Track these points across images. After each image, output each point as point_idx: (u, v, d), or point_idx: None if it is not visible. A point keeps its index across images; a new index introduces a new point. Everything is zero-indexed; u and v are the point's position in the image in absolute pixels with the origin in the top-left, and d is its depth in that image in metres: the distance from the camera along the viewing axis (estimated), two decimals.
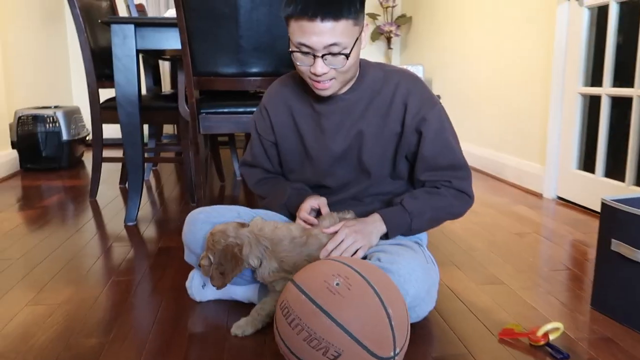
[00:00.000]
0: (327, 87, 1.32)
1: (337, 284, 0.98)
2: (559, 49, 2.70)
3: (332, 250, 1.29)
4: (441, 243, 2.05)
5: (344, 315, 0.95)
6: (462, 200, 1.40)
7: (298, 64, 1.30)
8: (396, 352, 0.98)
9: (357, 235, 1.31)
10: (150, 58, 3.41)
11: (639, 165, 2.32)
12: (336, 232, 1.32)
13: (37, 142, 3.67)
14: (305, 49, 1.26)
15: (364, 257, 1.32)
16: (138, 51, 2.29)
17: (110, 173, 3.60)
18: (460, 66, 3.90)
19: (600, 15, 2.56)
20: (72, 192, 3.06)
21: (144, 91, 3.60)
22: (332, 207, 1.45)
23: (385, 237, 1.37)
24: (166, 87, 4.57)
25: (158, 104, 2.82)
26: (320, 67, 1.26)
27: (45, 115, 3.71)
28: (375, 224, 1.35)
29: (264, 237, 1.33)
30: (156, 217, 2.51)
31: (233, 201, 2.85)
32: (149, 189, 3.19)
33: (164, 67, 4.53)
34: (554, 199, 2.79)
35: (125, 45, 2.26)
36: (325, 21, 1.21)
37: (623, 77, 2.42)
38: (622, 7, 2.41)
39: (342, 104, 1.40)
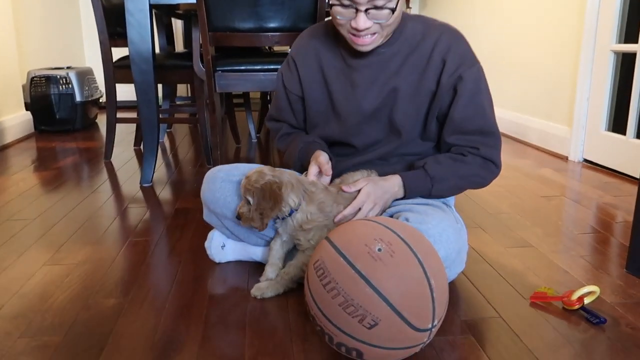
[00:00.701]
0: (367, 43, 1.23)
1: (379, 250, 0.92)
2: (592, 3, 2.56)
3: (349, 216, 1.24)
4: (466, 205, 1.99)
5: (385, 285, 0.89)
6: (488, 169, 1.32)
7: (338, 17, 1.21)
8: (434, 324, 0.93)
9: (376, 202, 1.26)
10: (163, 16, 3.31)
11: None
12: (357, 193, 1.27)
13: (51, 103, 3.62)
14: (346, 2, 1.17)
15: (389, 216, 1.26)
16: (151, 6, 2.21)
17: (124, 135, 3.55)
18: (483, 25, 3.75)
19: None
20: (87, 153, 3.03)
21: (157, 50, 3.51)
22: (356, 167, 1.38)
23: (401, 199, 1.32)
24: (179, 47, 4.48)
25: (172, 63, 2.74)
26: (362, 21, 1.18)
27: (58, 76, 3.65)
28: (395, 190, 1.29)
29: (303, 179, 1.27)
30: (172, 179, 2.47)
31: (249, 162, 2.79)
32: (164, 151, 3.15)
33: (177, 26, 4.43)
34: (581, 162, 2.70)
35: None
36: None
37: None
38: None
39: (377, 58, 1.32)
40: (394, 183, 1.29)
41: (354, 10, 1.18)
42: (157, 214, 1.97)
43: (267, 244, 1.42)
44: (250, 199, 1.22)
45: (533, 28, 3.12)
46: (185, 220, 1.88)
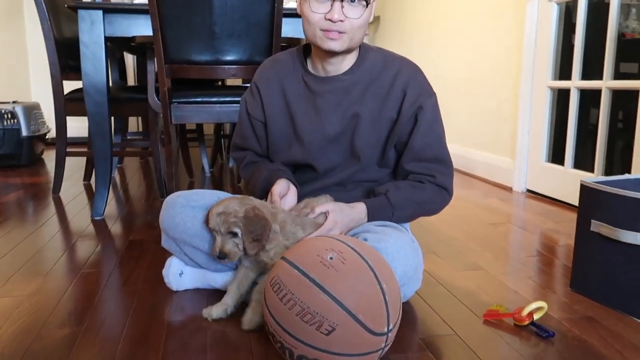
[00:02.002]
0: (337, 38, 1.28)
1: (331, 258, 0.95)
2: (529, 44, 2.75)
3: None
4: (421, 233, 2.05)
5: (338, 289, 0.92)
6: (441, 196, 1.40)
7: (312, 10, 1.27)
8: (389, 329, 0.96)
9: (342, 230, 1.31)
10: (116, 50, 3.31)
11: (607, 156, 2.38)
12: (325, 217, 1.30)
13: None
14: None
15: None
16: (106, 38, 2.21)
17: (73, 170, 3.47)
18: (429, 64, 3.93)
19: (567, 11, 2.62)
20: (33, 189, 2.93)
21: (110, 84, 3.48)
22: (317, 193, 1.42)
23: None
24: (131, 81, 4.45)
25: (125, 95, 2.73)
26: (337, 12, 1.25)
27: (4, 111, 3.55)
28: (360, 217, 1.35)
29: (264, 202, 1.29)
30: (123, 214, 2.42)
31: None
32: (114, 186, 3.09)
33: (129, 61, 4.41)
34: (524, 192, 2.84)
35: (93, 31, 2.18)
36: None
37: (591, 71, 2.48)
38: (590, 2, 2.47)
39: (340, 85, 1.38)
40: (360, 210, 1.34)
41: (330, 4, 1.25)
42: (109, 246, 1.93)
43: (229, 269, 1.42)
44: (237, 231, 1.21)
45: (476, 65, 3.30)
46: (141, 251, 1.85)
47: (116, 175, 3.41)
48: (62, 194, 2.78)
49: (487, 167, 3.17)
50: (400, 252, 1.21)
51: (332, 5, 1.25)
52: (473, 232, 2.07)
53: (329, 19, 1.26)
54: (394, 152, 1.43)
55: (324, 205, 1.31)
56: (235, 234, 1.21)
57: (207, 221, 1.27)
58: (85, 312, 1.34)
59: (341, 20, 1.26)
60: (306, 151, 1.42)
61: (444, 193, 1.41)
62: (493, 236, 2.03)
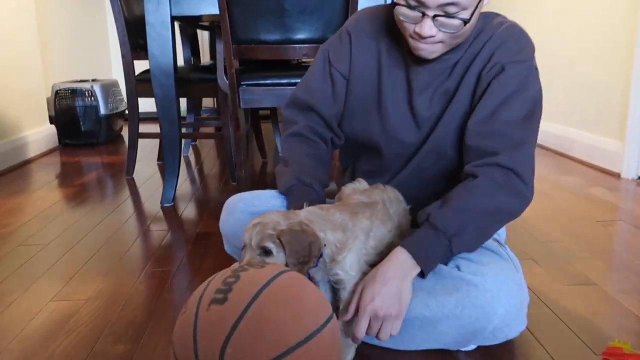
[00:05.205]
0: (429, 51, 1.07)
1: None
2: None
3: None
4: (513, 231, 1.80)
5: None
6: (511, 185, 1.03)
7: (401, 18, 1.05)
8: None
9: (383, 311, 0.98)
10: (188, 27, 3.21)
11: None
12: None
13: (76, 116, 3.56)
14: (413, 3, 1.01)
15: None
16: (173, 18, 2.09)
17: (150, 148, 3.46)
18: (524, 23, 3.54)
19: None
20: (110, 168, 2.93)
21: (180, 62, 3.42)
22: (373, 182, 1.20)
23: (420, 275, 1.03)
24: (205, 58, 4.38)
25: (196, 76, 2.63)
26: (427, 28, 1.01)
27: (83, 89, 3.59)
28: (403, 273, 0.99)
29: (311, 207, 1.06)
30: (195, 196, 2.36)
31: (275, 179, 2.64)
32: (188, 165, 3.04)
33: (203, 37, 4.34)
34: (634, 180, 2.48)
35: (159, 11, 2.06)
36: None
37: None
38: None
39: (440, 64, 1.14)
40: (398, 262, 1.00)
41: (421, 15, 1.01)
42: (177, 237, 1.85)
43: None
44: (271, 247, 0.98)
45: (582, 32, 2.91)
46: (206, 247, 1.74)
47: (190, 153, 3.37)
48: (136, 174, 2.76)
49: (588, 148, 2.81)
50: (503, 289, 1.00)
51: (422, 18, 1.02)
52: (577, 232, 1.80)
53: (418, 33, 1.03)
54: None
55: (349, 301, 1.03)
56: (268, 251, 0.97)
57: None
58: (144, 324, 1.24)
59: (432, 36, 1.03)
60: (386, 126, 1.19)
61: (514, 180, 1.03)
62: (602, 238, 1.74)
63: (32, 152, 3.19)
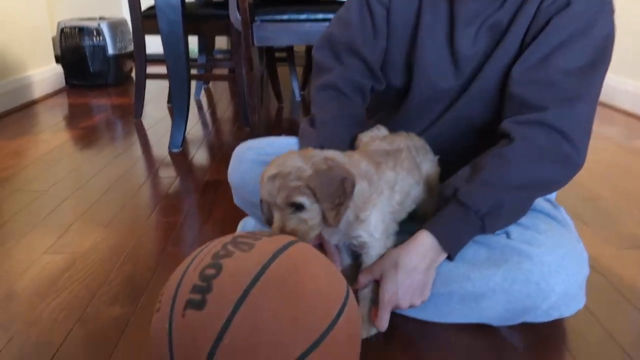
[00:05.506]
0: None
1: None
2: None
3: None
4: None
5: None
6: (558, 156, 0.87)
7: None
8: None
9: (406, 303, 0.88)
10: None
11: None
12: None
13: (84, 56, 3.38)
14: None
15: None
16: None
17: (160, 90, 3.29)
18: None
19: None
20: (118, 111, 2.78)
21: None
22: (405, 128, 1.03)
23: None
24: None
25: (207, 12, 2.42)
26: None
27: (90, 27, 3.39)
28: (429, 262, 0.87)
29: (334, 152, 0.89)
30: (206, 141, 2.22)
31: (292, 126, 2.48)
32: (200, 108, 2.88)
33: None
34: None
35: None
36: None
37: None
38: None
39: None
40: (423, 248, 0.87)
41: None
42: (186, 184, 1.71)
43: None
44: (303, 201, 0.80)
45: None
46: (215, 196, 1.60)
47: (203, 96, 3.19)
48: (145, 117, 2.60)
49: (633, 97, 2.58)
50: (563, 263, 0.84)
51: None
52: (627, 189, 1.62)
53: None
54: None
55: (365, 273, 0.90)
56: (300, 206, 0.81)
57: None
58: (143, 284, 1.11)
59: None
60: (420, 66, 1.01)
61: (562, 144, 0.86)
62: None
63: (38, 92, 3.04)
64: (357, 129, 1.04)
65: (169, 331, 0.62)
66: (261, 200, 0.84)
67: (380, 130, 1.03)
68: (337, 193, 0.81)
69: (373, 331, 0.91)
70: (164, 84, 3.36)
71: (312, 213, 0.81)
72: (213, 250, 0.68)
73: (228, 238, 0.70)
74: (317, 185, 0.80)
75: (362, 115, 1.09)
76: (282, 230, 0.80)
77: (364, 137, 1.02)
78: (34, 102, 2.94)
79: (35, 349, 0.90)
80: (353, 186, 0.83)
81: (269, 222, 0.84)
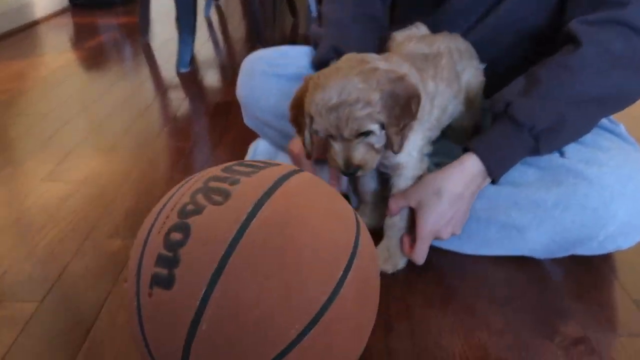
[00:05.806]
0: None
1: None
2: None
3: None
4: None
5: None
6: (636, 61, 0.73)
7: None
8: None
9: (447, 235, 0.78)
10: None
11: None
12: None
13: None
14: None
15: None
16: None
17: (170, 9, 3.10)
18: None
19: None
20: (125, 29, 2.63)
21: None
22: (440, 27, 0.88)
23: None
24: None
25: None
26: None
27: None
28: (473, 190, 0.76)
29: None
30: (218, 60, 2.09)
31: (307, 43, 2.31)
32: (210, 26, 2.70)
33: None
34: None
35: None
36: None
37: None
38: None
39: None
40: (468, 172, 0.75)
41: None
42: (195, 106, 1.60)
43: None
44: (375, 128, 0.70)
45: None
46: (227, 118, 1.49)
47: (213, 13, 3.00)
48: (154, 38, 2.45)
49: None
50: (628, 186, 0.71)
51: None
52: None
53: None
54: None
55: (397, 198, 0.78)
56: (369, 133, 0.70)
57: (294, 119, 0.75)
58: (145, 211, 1.03)
59: None
60: None
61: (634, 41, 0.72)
62: None
63: (40, 12, 2.88)
64: (376, 35, 0.90)
65: (139, 313, 0.50)
66: (316, 132, 0.72)
67: (420, 29, 0.88)
68: (405, 114, 0.70)
69: (401, 264, 0.82)
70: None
71: (379, 138, 0.72)
72: (180, 203, 0.52)
73: (202, 180, 0.54)
74: (387, 108, 0.69)
75: (382, 20, 0.94)
76: (349, 164, 0.71)
77: (399, 36, 0.87)
78: (36, 22, 2.79)
79: (28, 287, 0.83)
80: (419, 104, 0.72)
81: (310, 155, 0.75)
